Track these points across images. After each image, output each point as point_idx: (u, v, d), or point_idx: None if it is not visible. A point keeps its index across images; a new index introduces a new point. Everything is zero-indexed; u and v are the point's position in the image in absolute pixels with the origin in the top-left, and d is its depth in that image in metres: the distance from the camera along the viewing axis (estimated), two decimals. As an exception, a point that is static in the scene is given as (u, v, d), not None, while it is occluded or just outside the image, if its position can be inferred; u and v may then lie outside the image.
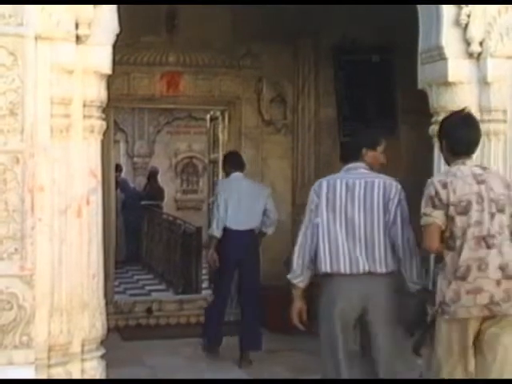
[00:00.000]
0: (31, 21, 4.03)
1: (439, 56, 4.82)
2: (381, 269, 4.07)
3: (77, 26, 4.14)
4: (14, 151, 4.04)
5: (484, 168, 4.06)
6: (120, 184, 12.62)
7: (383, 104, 8.24)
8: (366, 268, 4.06)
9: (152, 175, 14.23)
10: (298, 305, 4.23)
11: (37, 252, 4.09)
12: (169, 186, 15.57)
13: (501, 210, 3.82)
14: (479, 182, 3.85)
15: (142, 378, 5.79)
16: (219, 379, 5.90)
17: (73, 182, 4.21)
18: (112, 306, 7.20)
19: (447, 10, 4.73)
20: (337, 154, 8.22)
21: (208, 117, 9.14)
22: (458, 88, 4.81)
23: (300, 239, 4.23)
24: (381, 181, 4.16)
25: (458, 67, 4.78)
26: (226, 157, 7.20)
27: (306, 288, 4.27)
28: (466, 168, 3.91)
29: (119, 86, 7.34)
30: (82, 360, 4.30)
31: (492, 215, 3.79)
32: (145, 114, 15.70)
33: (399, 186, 4.17)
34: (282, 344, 6.79)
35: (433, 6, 4.82)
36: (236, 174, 6.72)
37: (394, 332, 4.13)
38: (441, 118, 4.91)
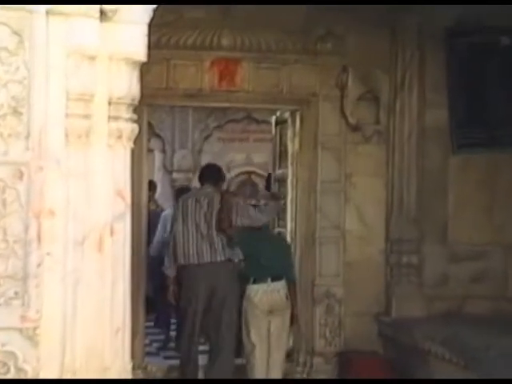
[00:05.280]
0: (42, -10, 4.13)
1: None
2: (220, 258, 7.53)
3: (101, -3, 4.23)
4: (16, 163, 4.11)
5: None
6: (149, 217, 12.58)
7: (513, 105, 8.17)
8: (210, 259, 7.51)
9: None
10: (172, 288, 7.87)
11: (44, 297, 4.15)
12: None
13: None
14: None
15: None
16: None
17: (93, 204, 4.27)
18: (141, 372, 7.27)
19: None
20: (448, 171, 8.25)
21: (273, 119, 9.21)
22: None
23: (170, 245, 7.76)
24: (216, 195, 7.63)
25: None
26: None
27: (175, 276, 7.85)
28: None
29: (156, 78, 7.49)
30: None
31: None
32: (189, 115, 15.88)
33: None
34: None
35: None
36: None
37: (232, 296, 7.59)
38: None
